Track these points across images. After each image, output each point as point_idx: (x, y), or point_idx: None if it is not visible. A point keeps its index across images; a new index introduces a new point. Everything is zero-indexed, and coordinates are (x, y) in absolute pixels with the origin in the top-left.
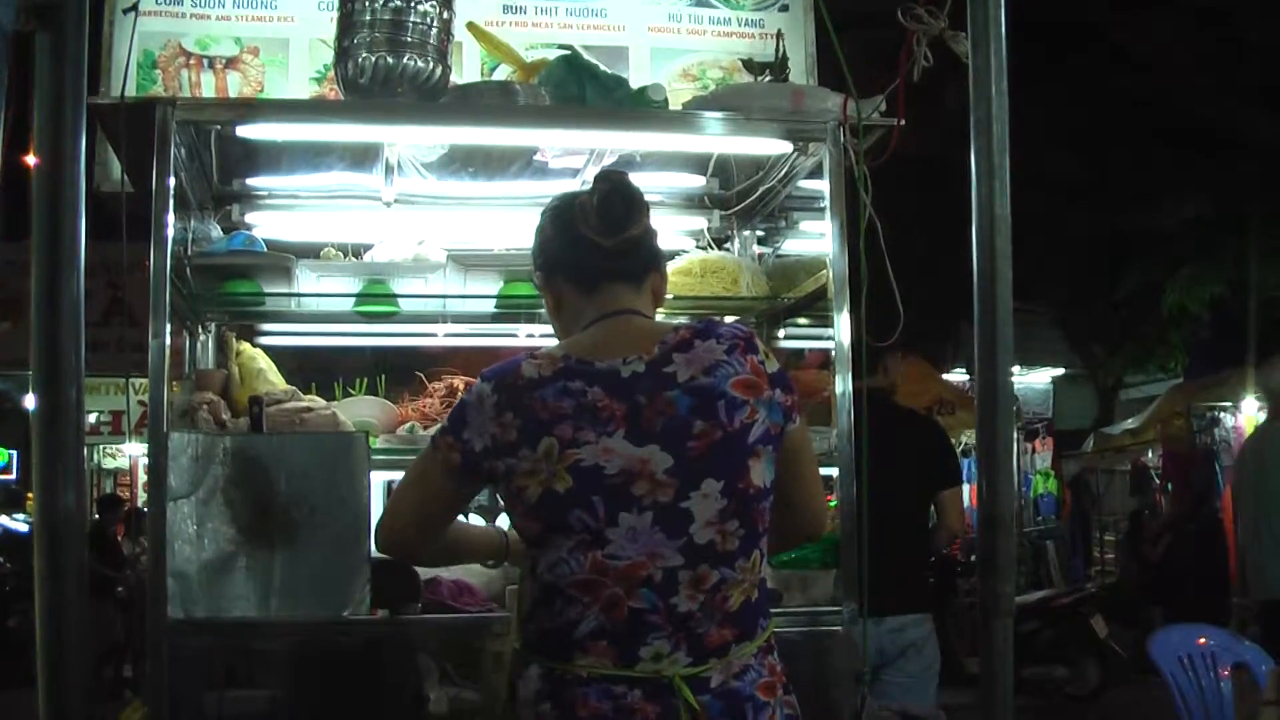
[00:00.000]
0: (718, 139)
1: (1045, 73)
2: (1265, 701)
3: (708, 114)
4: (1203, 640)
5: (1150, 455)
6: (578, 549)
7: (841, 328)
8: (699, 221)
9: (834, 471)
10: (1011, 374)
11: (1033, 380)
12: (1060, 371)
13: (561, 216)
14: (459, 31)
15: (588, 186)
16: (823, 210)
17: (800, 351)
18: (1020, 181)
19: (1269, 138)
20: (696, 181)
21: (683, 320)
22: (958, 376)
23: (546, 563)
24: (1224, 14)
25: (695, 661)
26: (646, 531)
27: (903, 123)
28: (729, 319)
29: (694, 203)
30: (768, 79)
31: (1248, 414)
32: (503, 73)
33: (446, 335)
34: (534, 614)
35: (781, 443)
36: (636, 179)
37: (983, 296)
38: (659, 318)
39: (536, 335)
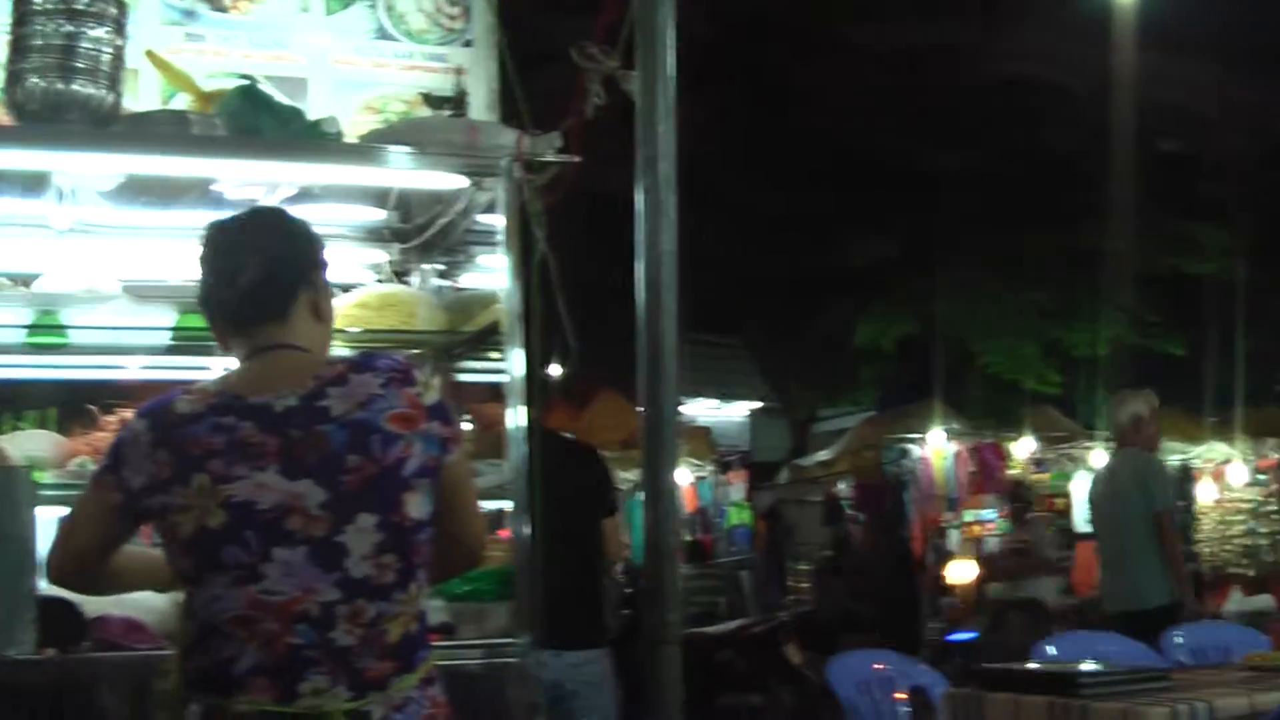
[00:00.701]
0: (393, 172)
1: (746, 113)
2: None
3: (382, 147)
4: (879, 665)
5: (842, 486)
6: (233, 585)
7: (513, 362)
8: (379, 255)
9: (508, 505)
10: (677, 407)
11: (730, 413)
12: (757, 405)
13: (204, 252)
14: (139, 58)
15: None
16: (500, 245)
17: (495, 385)
18: (720, 219)
19: (954, 179)
20: (377, 215)
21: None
22: None
23: (202, 600)
24: (915, 58)
25: (355, 696)
26: (301, 566)
27: (579, 159)
28: (406, 353)
29: (374, 236)
30: (447, 113)
31: (934, 445)
32: (183, 101)
33: (127, 368)
34: (193, 652)
35: (439, 475)
36: (316, 211)
37: (648, 332)
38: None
39: (219, 368)
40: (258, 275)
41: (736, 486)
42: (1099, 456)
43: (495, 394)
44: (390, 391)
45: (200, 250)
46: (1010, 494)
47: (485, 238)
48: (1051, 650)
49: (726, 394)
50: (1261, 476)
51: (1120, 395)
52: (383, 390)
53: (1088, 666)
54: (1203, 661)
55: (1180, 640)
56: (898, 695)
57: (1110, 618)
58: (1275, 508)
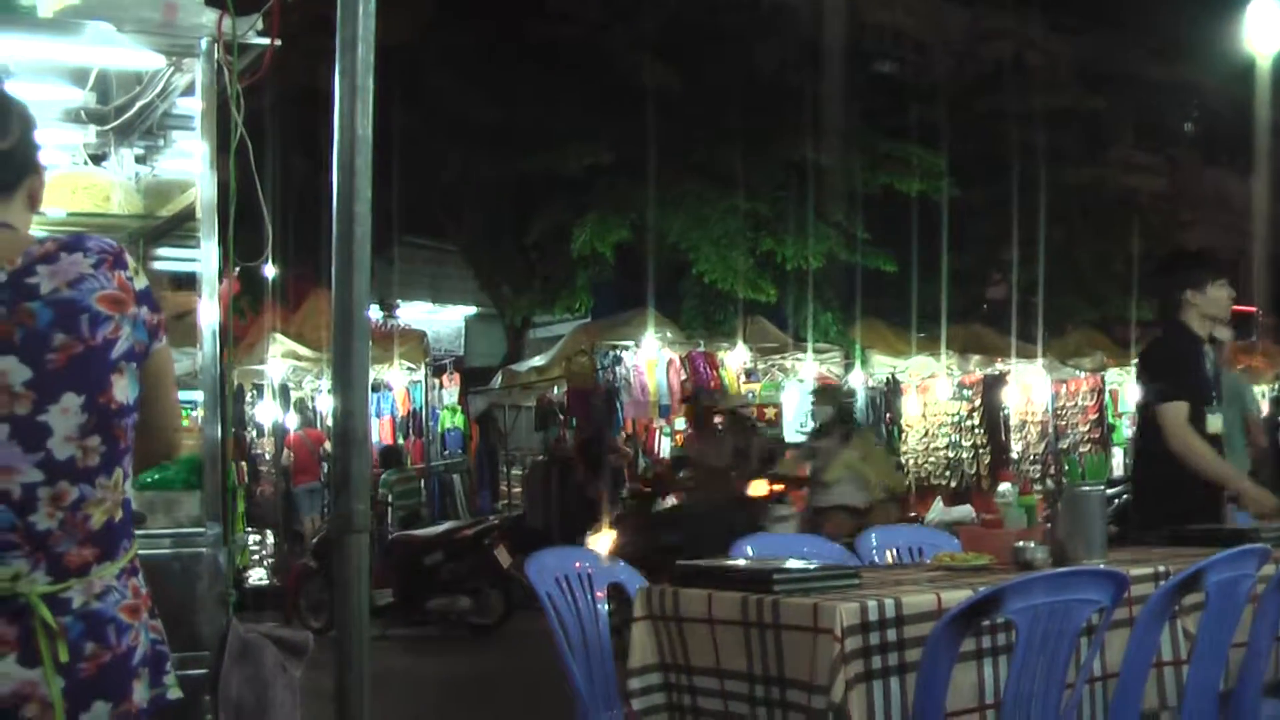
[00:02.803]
0: (88, 49)
1: (469, 18)
2: (635, 617)
3: (75, 21)
4: (579, 564)
5: (556, 391)
6: None
7: (207, 249)
8: (75, 136)
9: (199, 395)
10: (368, 294)
11: (445, 317)
12: (472, 310)
13: None
14: None
15: None
16: (198, 129)
17: (189, 275)
18: (437, 122)
19: (668, 91)
20: (74, 95)
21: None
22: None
23: None
24: None
25: (55, 580)
26: (4, 445)
27: (279, 43)
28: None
29: (71, 116)
30: None
31: (647, 353)
32: None
33: None
34: None
35: (145, 362)
36: (11, 90)
37: (341, 217)
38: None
39: None
40: (8, 144)
41: (450, 391)
42: (809, 368)
43: (190, 281)
44: (101, 273)
45: None
46: None
47: (185, 122)
48: (749, 549)
49: (441, 298)
50: (966, 391)
51: None
52: (94, 271)
53: (780, 564)
54: (897, 562)
55: (875, 542)
56: (598, 594)
57: None
58: (977, 422)
